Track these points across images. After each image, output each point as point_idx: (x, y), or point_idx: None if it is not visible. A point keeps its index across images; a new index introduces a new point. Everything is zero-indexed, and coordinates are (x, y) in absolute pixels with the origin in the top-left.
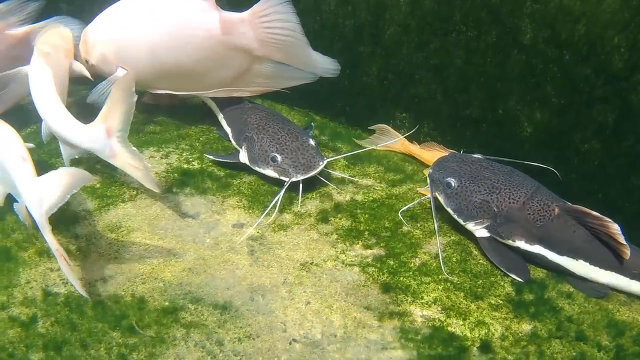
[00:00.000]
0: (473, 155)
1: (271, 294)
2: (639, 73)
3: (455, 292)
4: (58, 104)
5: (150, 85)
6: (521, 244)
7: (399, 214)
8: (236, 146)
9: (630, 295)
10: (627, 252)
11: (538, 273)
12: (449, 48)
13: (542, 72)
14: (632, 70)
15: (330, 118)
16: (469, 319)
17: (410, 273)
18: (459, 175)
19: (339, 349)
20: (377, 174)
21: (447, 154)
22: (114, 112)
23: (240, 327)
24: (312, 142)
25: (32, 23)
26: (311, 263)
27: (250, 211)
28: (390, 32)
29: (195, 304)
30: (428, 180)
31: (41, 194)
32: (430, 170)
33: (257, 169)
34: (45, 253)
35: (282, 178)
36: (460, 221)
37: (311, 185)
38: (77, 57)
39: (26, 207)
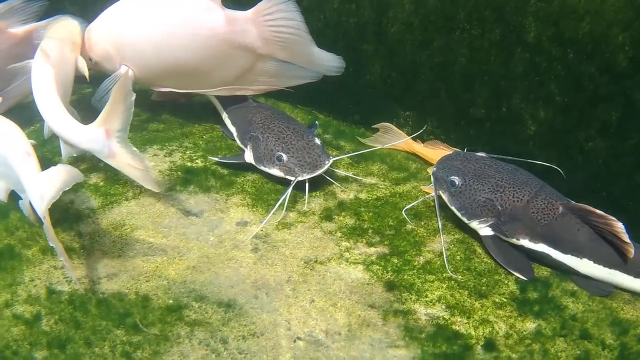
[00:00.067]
0: (477, 153)
1: (275, 292)
2: None
3: (460, 290)
4: (58, 104)
5: (153, 83)
6: (525, 243)
7: (403, 213)
8: (241, 146)
9: (634, 293)
10: (631, 251)
11: (542, 271)
12: (453, 46)
13: (546, 70)
14: (636, 68)
15: (334, 116)
16: (473, 317)
17: (415, 271)
18: (463, 173)
19: (343, 347)
20: (380, 172)
21: (450, 152)
22: (114, 113)
23: (245, 325)
24: (317, 141)
25: (35, 22)
26: (315, 261)
27: (254, 209)
28: (393, 30)
29: (199, 302)
30: (432, 179)
31: (43, 188)
32: (434, 169)
33: (262, 168)
34: (49, 251)
35: (288, 177)
36: (464, 220)
37: (315, 183)
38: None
39: (30, 203)
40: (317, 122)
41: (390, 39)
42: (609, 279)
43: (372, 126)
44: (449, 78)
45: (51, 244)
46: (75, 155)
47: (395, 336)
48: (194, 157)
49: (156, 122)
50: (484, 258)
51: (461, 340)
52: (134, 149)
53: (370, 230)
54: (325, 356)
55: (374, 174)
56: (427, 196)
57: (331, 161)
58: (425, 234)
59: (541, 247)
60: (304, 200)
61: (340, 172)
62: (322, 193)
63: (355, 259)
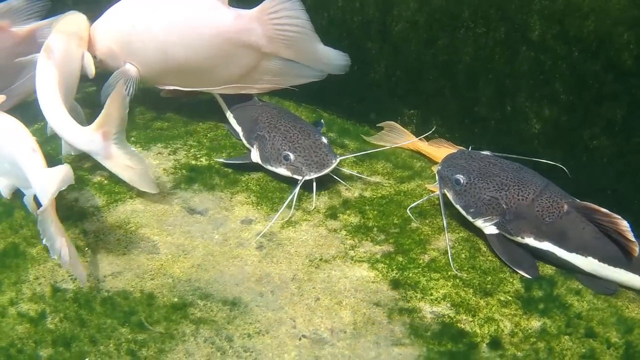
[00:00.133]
0: (482, 152)
1: (280, 290)
2: None
3: (465, 288)
4: (59, 103)
5: (158, 81)
6: (530, 241)
7: (408, 211)
8: (247, 145)
9: (639, 292)
10: (636, 249)
11: (547, 270)
12: (458, 45)
13: (550, 68)
14: None
15: (338, 115)
16: (478, 316)
17: (420, 269)
18: (467, 172)
19: (349, 345)
20: (385, 171)
21: (455, 150)
22: (110, 117)
23: (250, 323)
24: (324, 139)
25: (39, 20)
26: (320, 259)
27: (259, 207)
28: (398, 28)
29: (204, 300)
30: (437, 177)
31: (47, 183)
32: (439, 167)
33: (269, 167)
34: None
35: (295, 176)
36: (469, 218)
37: (320, 182)
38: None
39: (34, 198)
40: (322, 120)
41: (395, 37)
42: (613, 277)
43: (377, 125)
44: (453, 76)
45: (45, 242)
46: (73, 154)
47: (400, 334)
48: (199, 156)
49: (160, 121)
50: (488, 256)
51: (466, 339)
52: (133, 149)
53: (375, 229)
54: (330, 354)
55: (378, 172)
56: (431, 194)
57: (338, 160)
58: (430, 232)
59: (546, 246)
60: (309, 198)
61: (346, 170)
62: (326, 191)
63: (361, 257)
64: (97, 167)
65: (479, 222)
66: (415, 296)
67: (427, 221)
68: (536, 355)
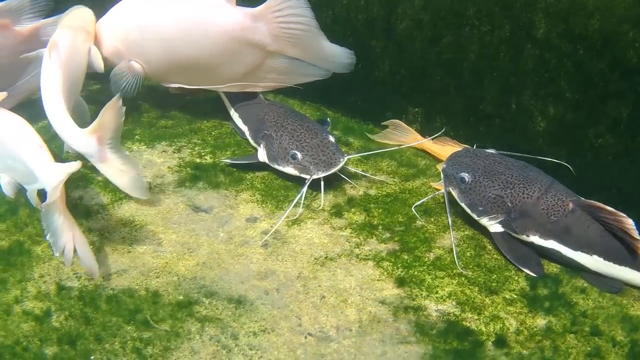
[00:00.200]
0: (487, 150)
1: (286, 288)
2: None
3: (470, 286)
4: (60, 102)
5: (163, 79)
6: (535, 239)
7: (413, 209)
8: (254, 144)
9: None
10: None
11: (552, 268)
12: (462, 43)
13: (555, 66)
14: None
15: (343, 113)
16: (483, 314)
17: (425, 267)
18: (472, 170)
19: (355, 344)
20: (390, 169)
21: (460, 149)
22: (105, 124)
23: (255, 321)
24: (331, 138)
25: (42, 18)
26: (325, 257)
27: (264, 205)
28: (402, 26)
29: (209, 298)
30: (442, 176)
31: (53, 178)
32: (444, 166)
33: (277, 167)
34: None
35: (303, 176)
36: (474, 216)
37: (326, 180)
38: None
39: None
40: (328, 119)
41: (400, 35)
42: (619, 275)
43: (382, 124)
44: (458, 74)
45: (48, 238)
46: (70, 152)
47: (406, 332)
48: (203, 154)
49: (164, 119)
50: (494, 254)
51: (472, 337)
52: (127, 154)
53: (380, 227)
54: (336, 352)
55: (383, 171)
56: (436, 193)
57: (346, 159)
58: (435, 230)
59: (551, 244)
60: (315, 197)
61: (351, 169)
62: (331, 189)
63: (366, 255)
64: None
65: (484, 220)
66: (421, 294)
67: (432, 219)
68: (541, 353)
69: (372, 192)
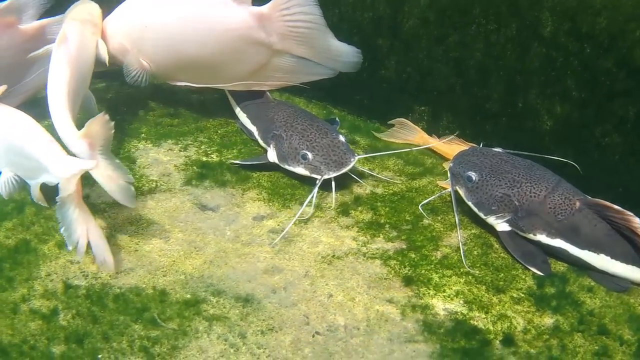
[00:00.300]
0: (493, 149)
1: (293, 287)
2: None
3: (477, 285)
4: (64, 99)
5: (168, 77)
6: (542, 238)
7: (420, 207)
8: (264, 145)
9: None
10: None
11: (559, 267)
12: (469, 41)
13: (562, 65)
14: None
15: (349, 111)
16: (491, 312)
17: (432, 266)
18: (479, 169)
19: (362, 342)
20: (396, 167)
21: (466, 147)
22: (93, 134)
23: (263, 320)
24: (341, 138)
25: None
26: (332, 256)
27: (271, 204)
28: (409, 25)
29: (217, 297)
30: (449, 174)
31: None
32: (451, 164)
33: (287, 167)
34: (65, 245)
35: (314, 176)
36: (481, 215)
37: (336, 180)
38: None
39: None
40: (337, 118)
41: (406, 33)
42: (626, 274)
43: (388, 122)
44: (464, 73)
45: (62, 232)
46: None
47: (413, 331)
48: (209, 152)
49: (170, 117)
50: (500, 253)
51: (479, 336)
52: (118, 162)
53: (387, 225)
54: (344, 351)
55: (389, 169)
56: (443, 191)
57: (357, 159)
58: (442, 229)
59: (558, 243)
60: (321, 195)
61: (358, 167)
62: (337, 188)
63: (373, 254)
64: None
65: (491, 219)
66: (428, 293)
67: (439, 218)
68: (549, 352)
69: (379, 190)
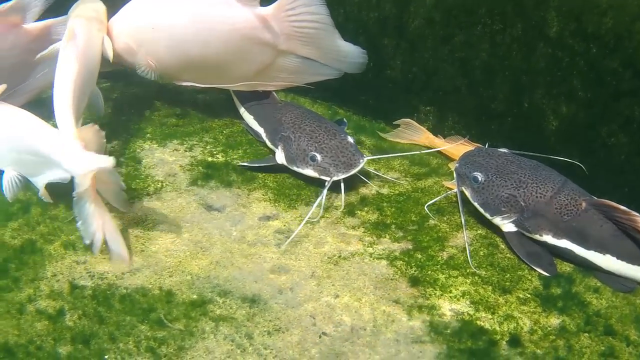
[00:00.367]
0: (499, 149)
1: (299, 287)
2: None
3: (484, 285)
4: (69, 99)
5: (174, 77)
6: (548, 239)
7: (425, 208)
8: (271, 147)
9: None
10: None
11: (565, 267)
12: (474, 41)
13: (568, 65)
14: None
15: (354, 111)
16: (497, 313)
17: (438, 266)
18: (485, 169)
19: (369, 343)
20: (402, 168)
21: (472, 148)
22: (87, 139)
23: (270, 321)
24: (350, 139)
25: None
26: (339, 256)
27: (277, 204)
28: (414, 25)
29: (223, 297)
30: (454, 175)
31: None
32: (457, 165)
33: (295, 169)
34: (70, 246)
35: (323, 177)
36: (487, 215)
37: (345, 181)
38: None
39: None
40: (345, 119)
41: (412, 33)
42: (632, 275)
43: (394, 123)
44: (470, 73)
45: (79, 226)
46: None
47: (420, 332)
48: (215, 152)
49: (175, 117)
50: (507, 253)
51: (486, 336)
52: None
53: (393, 226)
54: (351, 351)
55: (395, 169)
56: (449, 192)
57: (365, 160)
58: (448, 230)
59: (564, 243)
60: (328, 196)
61: (373, 171)
62: (344, 188)
63: (379, 254)
64: None
65: (497, 220)
66: (435, 293)
67: (445, 218)
68: (555, 352)
69: (385, 191)
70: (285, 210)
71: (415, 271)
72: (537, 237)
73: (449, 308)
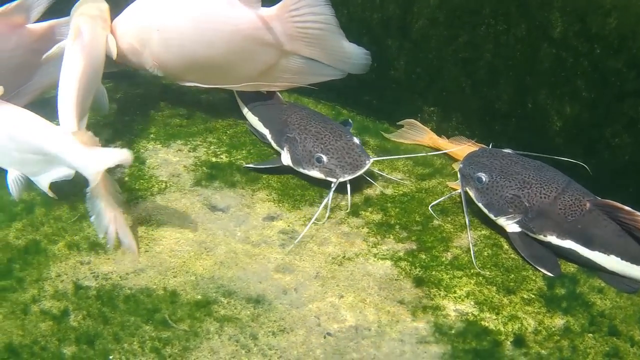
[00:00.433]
0: (503, 150)
1: (304, 288)
2: None
3: (488, 286)
4: (74, 96)
5: (177, 77)
6: (552, 239)
7: (430, 208)
8: (277, 148)
9: None
10: None
11: (569, 268)
12: (478, 42)
13: (572, 66)
14: None
15: (358, 112)
16: (502, 314)
17: (443, 267)
18: (489, 170)
19: (374, 343)
20: (406, 168)
21: (476, 148)
22: (84, 140)
23: (274, 321)
24: (356, 140)
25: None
26: (343, 257)
27: (281, 205)
28: (418, 25)
29: (228, 298)
30: (459, 175)
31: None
32: (461, 165)
33: (301, 170)
34: (75, 246)
35: (329, 179)
36: (492, 216)
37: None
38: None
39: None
40: (350, 120)
41: (415, 34)
42: (636, 275)
43: (397, 123)
44: (474, 74)
45: (93, 220)
46: None
47: (425, 332)
48: (219, 153)
49: (179, 118)
50: (511, 254)
51: (490, 337)
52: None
53: (397, 226)
54: (355, 352)
55: (399, 170)
56: (453, 192)
57: (371, 161)
58: (452, 230)
59: (568, 244)
60: (334, 198)
61: (379, 172)
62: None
63: (383, 255)
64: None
65: (501, 220)
66: (439, 294)
67: (449, 219)
68: (560, 353)
69: (389, 191)
70: (289, 211)
71: (419, 271)
72: (541, 237)
73: (454, 308)
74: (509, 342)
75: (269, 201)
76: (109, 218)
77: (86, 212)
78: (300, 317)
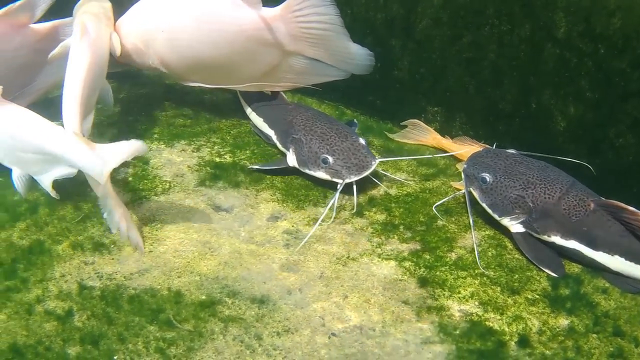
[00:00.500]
0: (507, 150)
1: (308, 288)
2: None
3: (492, 286)
4: (78, 94)
5: (181, 77)
6: (556, 240)
7: (434, 208)
8: (282, 149)
9: None
10: None
11: (573, 268)
12: (482, 42)
13: (576, 66)
14: None
15: (361, 112)
16: (506, 314)
17: (447, 267)
18: (493, 170)
19: (378, 344)
20: (410, 168)
21: (480, 148)
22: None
23: (279, 321)
24: (362, 141)
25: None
26: (347, 257)
27: (285, 205)
28: (422, 25)
29: (232, 298)
30: (463, 176)
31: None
32: (465, 166)
33: (307, 171)
34: (79, 246)
35: (335, 180)
36: (496, 216)
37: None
38: None
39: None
40: (355, 120)
41: (419, 34)
42: None
43: (401, 123)
44: (478, 74)
45: (105, 217)
46: None
47: (429, 332)
48: (222, 153)
49: (182, 118)
50: (515, 254)
51: (495, 337)
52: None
53: (401, 226)
54: (360, 352)
55: (403, 170)
56: (457, 192)
57: (377, 161)
58: (456, 230)
59: (572, 244)
60: (339, 198)
61: (385, 173)
62: (352, 189)
63: (388, 255)
64: (121, 164)
65: (506, 221)
66: (443, 294)
67: (453, 219)
68: (564, 353)
69: (393, 191)
70: (293, 211)
71: (423, 272)
72: (545, 237)
73: (458, 309)
74: (513, 343)
75: (273, 201)
76: (119, 214)
77: (90, 213)
78: (304, 318)
